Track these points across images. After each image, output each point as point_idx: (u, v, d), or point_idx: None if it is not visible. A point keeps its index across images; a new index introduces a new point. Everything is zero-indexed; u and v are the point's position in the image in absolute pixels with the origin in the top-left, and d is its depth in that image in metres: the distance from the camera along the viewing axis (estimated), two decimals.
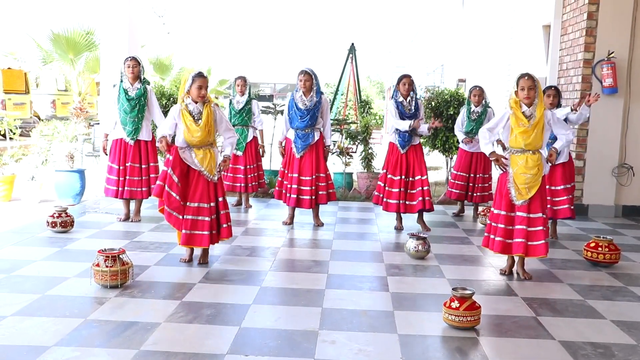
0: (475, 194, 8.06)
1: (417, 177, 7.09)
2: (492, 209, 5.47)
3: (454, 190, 8.19)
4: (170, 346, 3.72)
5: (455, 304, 4.09)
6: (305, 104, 7.03)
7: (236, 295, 4.76)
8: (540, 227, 5.18)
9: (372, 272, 5.52)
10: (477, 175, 8.05)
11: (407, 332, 4.07)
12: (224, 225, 5.49)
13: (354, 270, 5.55)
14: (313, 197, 7.13)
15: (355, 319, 4.28)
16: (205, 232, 5.36)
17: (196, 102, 5.31)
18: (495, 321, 4.32)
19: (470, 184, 8.10)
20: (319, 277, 5.29)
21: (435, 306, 4.51)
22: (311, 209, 7.34)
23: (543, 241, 5.18)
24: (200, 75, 5.31)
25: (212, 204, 5.38)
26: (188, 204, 5.37)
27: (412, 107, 6.98)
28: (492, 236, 5.37)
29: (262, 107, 9.47)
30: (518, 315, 4.47)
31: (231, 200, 8.74)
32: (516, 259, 5.44)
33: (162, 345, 3.73)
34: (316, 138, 7.11)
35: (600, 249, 5.86)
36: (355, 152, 10.64)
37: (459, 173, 8.17)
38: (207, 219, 5.35)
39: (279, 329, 4.05)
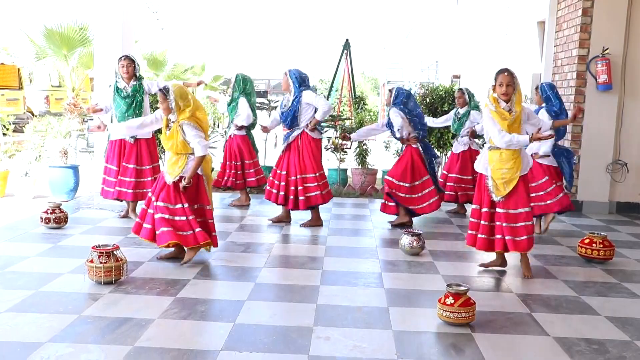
0: (468, 193, 8.05)
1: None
2: (472, 205, 5.45)
3: (446, 192, 8.18)
4: (164, 342, 3.71)
5: (450, 300, 4.09)
6: (285, 105, 7.06)
7: (230, 292, 4.75)
8: (522, 223, 5.15)
9: (367, 268, 5.52)
10: (466, 177, 8.05)
11: (401, 328, 4.07)
12: (197, 230, 5.28)
13: (349, 266, 5.55)
14: (300, 198, 7.00)
15: (350, 315, 4.27)
16: (165, 229, 5.19)
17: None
18: (490, 317, 4.32)
19: (460, 184, 8.11)
20: (314, 273, 5.28)
21: (430, 302, 4.51)
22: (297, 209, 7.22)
23: (525, 237, 5.15)
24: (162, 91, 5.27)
25: (173, 206, 5.24)
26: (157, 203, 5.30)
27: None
28: (475, 233, 5.36)
29: (257, 102, 9.41)
30: (512, 311, 4.48)
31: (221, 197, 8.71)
32: (514, 255, 5.44)
33: (156, 341, 3.72)
34: (295, 134, 7.01)
35: (594, 245, 5.87)
36: (350, 148, 10.63)
37: (449, 175, 8.22)
38: (166, 216, 5.23)
39: (273, 325, 4.04)
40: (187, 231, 5.25)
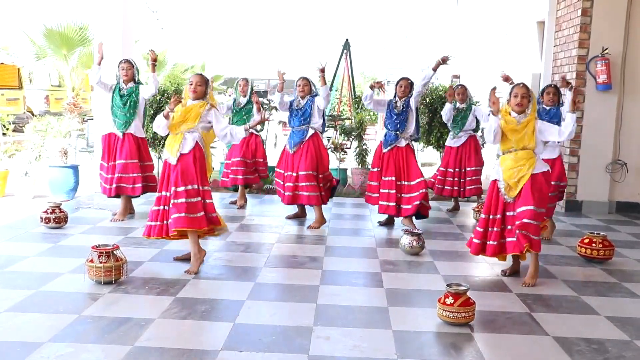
0: (466, 188, 8.19)
1: (408, 182, 7.07)
2: (482, 215, 5.37)
3: (446, 187, 8.30)
4: (164, 342, 3.72)
5: (449, 300, 4.09)
6: (299, 104, 7.16)
7: (230, 291, 4.75)
8: (527, 220, 4.96)
9: (367, 268, 5.53)
10: (467, 169, 8.17)
11: (401, 328, 4.07)
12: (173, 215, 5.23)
13: (349, 266, 5.55)
14: (310, 194, 7.03)
15: (349, 315, 4.28)
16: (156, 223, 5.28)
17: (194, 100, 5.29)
18: (490, 317, 4.33)
19: (458, 179, 8.21)
20: (314, 273, 5.29)
21: (429, 302, 4.51)
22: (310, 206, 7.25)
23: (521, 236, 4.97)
24: (195, 74, 5.39)
25: (191, 187, 5.18)
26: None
27: (402, 107, 6.96)
28: (481, 241, 5.27)
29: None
30: (512, 311, 4.48)
31: (222, 196, 8.70)
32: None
33: (156, 341, 3.73)
34: (309, 135, 7.11)
35: (594, 245, 5.87)
36: (350, 147, 10.63)
37: (447, 170, 8.29)
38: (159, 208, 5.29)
39: (273, 325, 4.05)
40: (198, 212, 5.18)
